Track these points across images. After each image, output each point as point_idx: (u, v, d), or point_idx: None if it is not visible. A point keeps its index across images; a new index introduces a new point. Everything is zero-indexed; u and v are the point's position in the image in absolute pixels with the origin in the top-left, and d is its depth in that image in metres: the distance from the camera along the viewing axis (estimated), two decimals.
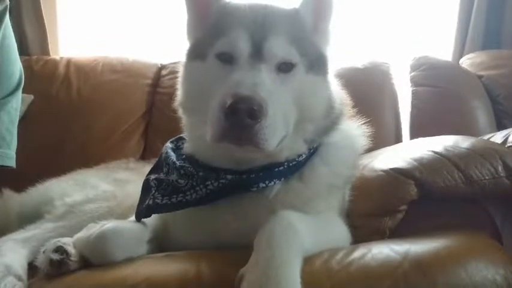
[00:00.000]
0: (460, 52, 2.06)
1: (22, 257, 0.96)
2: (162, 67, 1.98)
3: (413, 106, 1.71)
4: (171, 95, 1.86)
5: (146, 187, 0.96)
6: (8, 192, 1.29)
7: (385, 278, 0.71)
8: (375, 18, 2.13)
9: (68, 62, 1.91)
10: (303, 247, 0.75)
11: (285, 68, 0.86)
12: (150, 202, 0.90)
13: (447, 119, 1.64)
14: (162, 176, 0.96)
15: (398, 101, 1.74)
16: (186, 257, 0.86)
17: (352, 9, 2.13)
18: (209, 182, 0.87)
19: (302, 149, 0.92)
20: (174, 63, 1.99)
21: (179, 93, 0.98)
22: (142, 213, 0.91)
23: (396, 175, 0.91)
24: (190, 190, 0.88)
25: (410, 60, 1.85)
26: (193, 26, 0.96)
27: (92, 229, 0.88)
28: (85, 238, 0.87)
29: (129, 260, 0.86)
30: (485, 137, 1.17)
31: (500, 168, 0.87)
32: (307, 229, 0.78)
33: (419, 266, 0.72)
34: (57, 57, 1.98)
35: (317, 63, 0.91)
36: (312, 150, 0.94)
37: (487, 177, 0.86)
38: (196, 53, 0.93)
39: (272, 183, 0.87)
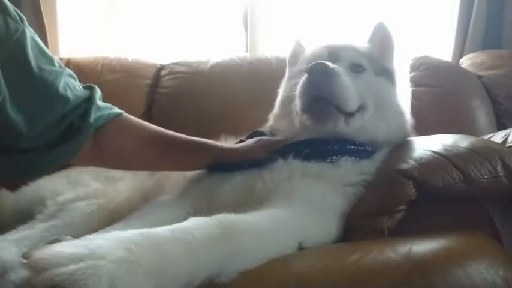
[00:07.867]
0: (460, 52, 2.06)
1: (16, 256, 0.95)
2: (162, 67, 1.98)
3: (413, 106, 1.70)
4: (171, 95, 1.89)
5: None
6: (2, 191, 1.29)
7: (384, 279, 0.71)
8: (374, 18, 2.12)
9: (68, 63, 1.90)
10: None
11: (357, 69, 1.10)
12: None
13: (447, 119, 1.63)
14: None
15: None
16: None
17: (351, 10, 2.13)
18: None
19: (379, 134, 1.08)
20: (174, 63, 1.99)
21: None
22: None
23: (394, 175, 0.91)
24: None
25: (410, 60, 1.85)
26: None
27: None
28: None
29: None
30: (485, 137, 1.17)
31: (499, 167, 0.86)
32: None
33: (418, 267, 0.71)
34: (57, 58, 1.98)
35: (384, 73, 1.16)
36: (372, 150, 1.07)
37: (486, 177, 0.86)
38: None
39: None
